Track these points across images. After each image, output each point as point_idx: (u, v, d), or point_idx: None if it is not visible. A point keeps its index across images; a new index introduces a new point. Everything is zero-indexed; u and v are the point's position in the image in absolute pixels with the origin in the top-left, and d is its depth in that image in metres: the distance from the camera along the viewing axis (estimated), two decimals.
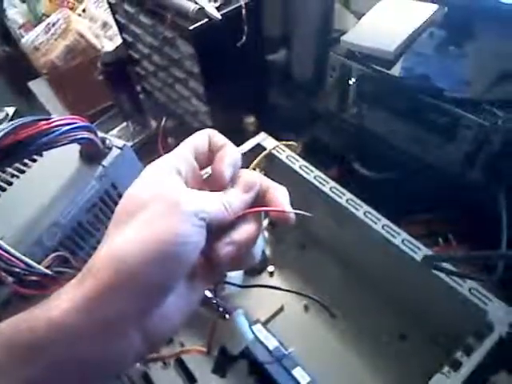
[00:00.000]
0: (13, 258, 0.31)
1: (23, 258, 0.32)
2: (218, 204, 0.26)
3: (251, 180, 0.28)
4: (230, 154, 0.28)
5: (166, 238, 0.22)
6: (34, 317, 0.21)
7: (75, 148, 0.41)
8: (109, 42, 1.16)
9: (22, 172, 0.41)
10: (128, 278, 0.21)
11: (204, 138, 0.28)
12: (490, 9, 0.60)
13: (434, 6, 0.69)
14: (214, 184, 0.27)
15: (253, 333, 0.45)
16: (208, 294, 0.45)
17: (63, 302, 0.21)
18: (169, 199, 0.24)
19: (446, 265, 0.48)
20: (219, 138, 0.29)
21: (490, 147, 0.57)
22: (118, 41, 1.03)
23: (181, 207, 0.23)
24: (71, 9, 1.25)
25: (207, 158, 0.29)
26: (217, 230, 0.26)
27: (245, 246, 0.27)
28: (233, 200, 0.27)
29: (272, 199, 0.28)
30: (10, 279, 0.30)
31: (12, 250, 0.31)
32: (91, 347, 0.21)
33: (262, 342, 0.45)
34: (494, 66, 0.60)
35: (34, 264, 0.32)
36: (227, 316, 0.45)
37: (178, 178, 0.26)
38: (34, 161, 0.42)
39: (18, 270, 0.31)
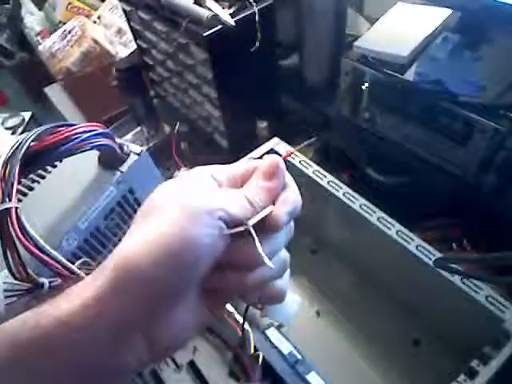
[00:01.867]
0: (55, 264, 0.32)
1: (67, 263, 0.33)
2: (240, 199, 0.23)
3: (273, 164, 0.25)
4: (293, 201, 0.25)
5: (172, 241, 0.21)
6: (42, 313, 0.20)
7: (94, 154, 0.42)
8: (123, 48, 1.18)
9: (43, 177, 0.43)
10: (135, 280, 0.20)
11: (268, 166, 0.26)
12: (503, 13, 0.60)
13: (448, 11, 0.69)
14: (268, 224, 0.24)
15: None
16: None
17: (73, 299, 0.21)
18: (180, 200, 0.22)
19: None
20: (285, 176, 0.26)
21: (505, 152, 0.57)
22: (133, 47, 1.04)
23: (191, 207, 0.22)
24: (87, 16, 1.27)
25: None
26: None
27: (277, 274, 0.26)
28: (256, 191, 0.24)
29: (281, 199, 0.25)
30: (47, 282, 0.31)
31: (57, 255, 0.32)
32: (95, 350, 0.21)
33: (276, 347, 0.46)
34: (508, 69, 0.60)
35: (76, 269, 0.33)
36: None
37: (210, 181, 0.24)
38: (54, 166, 0.43)
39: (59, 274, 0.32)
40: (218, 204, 0.22)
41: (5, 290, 0.34)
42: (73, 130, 0.36)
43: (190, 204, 0.22)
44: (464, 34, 0.66)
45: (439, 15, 0.69)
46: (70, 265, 0.32)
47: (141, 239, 0.21)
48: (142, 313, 0.21)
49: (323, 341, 0.62)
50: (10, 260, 0.32)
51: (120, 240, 0.23)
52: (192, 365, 0.60)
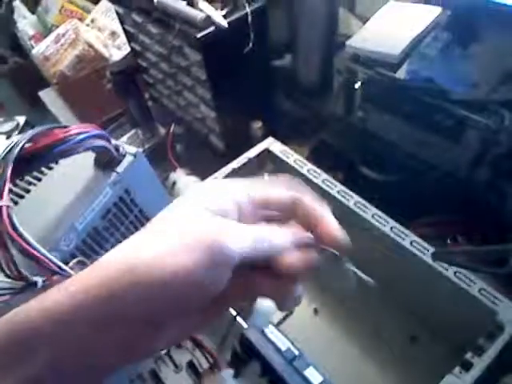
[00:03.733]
0: (47, 260, 0.32)
1: (56, 260, 0.33)
2: (250, 239, 0.22)
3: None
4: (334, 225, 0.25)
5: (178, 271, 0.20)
6: (30, 306, 0.20)
7: (90, 155, 0.42)
8: (117, 50, 1.18)
9: (39, 180, 0.43)
10: (136, 278, 0.20)
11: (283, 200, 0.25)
12: (493, 10, 0.61)
13: (438, 9, 0.70)
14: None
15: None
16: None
17: (60, 291, 0.20)
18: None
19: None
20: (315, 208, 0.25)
21: (497, 147, 0.58)
22: (126, 50, 1.05)
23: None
24: (80, 19, 1.27)
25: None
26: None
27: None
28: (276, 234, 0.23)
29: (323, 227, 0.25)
30: (40, 280, 0.31)
31: (47, 253, 0.32)
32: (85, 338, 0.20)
33: (273, 343, 0.46)
34: (499, 66, 0.61)
35: (66, 267, 0.33)
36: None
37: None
38: (51, 168, 0.43)
39: (50, 271, 0.32)
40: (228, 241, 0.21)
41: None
42: (68, 131, 0.36)
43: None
44: (454, 31, 0.67)
45: (430, 13, 0.70)
46: (60, 263, 0.33)
47: (148, 244, 0.21)
48: (139, 312, 0.21)
49: (321, 338, 0.62)
50: (2, 258, 0.32)
51: (117, 240, 0.23)
52: (190, 365, 0.61)
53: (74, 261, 0.31)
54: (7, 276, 0.33)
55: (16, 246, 0.32)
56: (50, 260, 0.33)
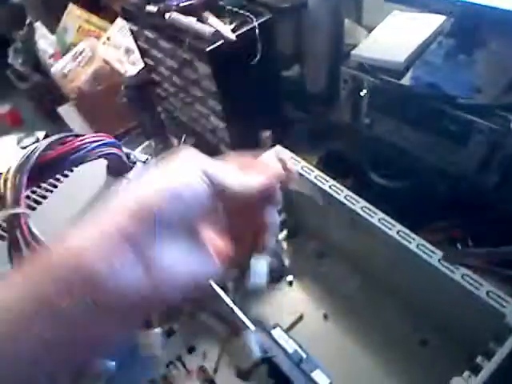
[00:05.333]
0: None
1: None
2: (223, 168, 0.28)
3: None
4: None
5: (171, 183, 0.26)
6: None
7: (102, 163, 0.45)
8: (132, 66, 1.22)
9: (55, 186, 0.45)
10: (142, 205, 0.24)
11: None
12: (495, 16, 0.62)
13: (442, 17, 0.71)
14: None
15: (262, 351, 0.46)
16: (227, 300, 0.46)
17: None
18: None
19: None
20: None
21: (503, 151, 0.58)
22: (140, 65, 1.08)
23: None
24: (97, 37, 1.33)
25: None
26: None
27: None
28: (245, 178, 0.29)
29: None
30: None
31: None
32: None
33: (281, 346, 0.47)
34: (504, 71, 0.61)
35: None
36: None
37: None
38: (66, 176, 0.46)
39: None
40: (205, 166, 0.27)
41: None
42: (82, 140, 0.38)
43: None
44: (458, 38, 0.68)
45: (434, 21, 0.71)
46: None
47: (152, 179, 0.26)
48: (139, 229, 0.24)
49: (331, 343, 0.62)
50: (18, 264, 0.34)
51: None
52: (202, 370, 0.62)
53: None
54: None
55: (30, 249, 0.34)
56: None
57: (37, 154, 0.36)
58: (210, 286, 0.37)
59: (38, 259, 0.23)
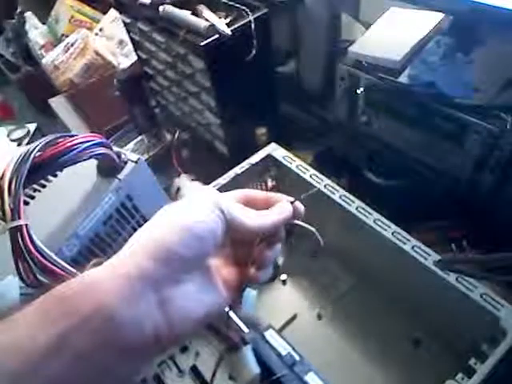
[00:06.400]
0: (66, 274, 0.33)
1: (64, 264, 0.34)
2: (240, 209, 0.29)
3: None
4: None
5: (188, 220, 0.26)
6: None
7: (92, 163, 0.44)
8: (125, 58, 1.20)
9: (44, 186, 0.44)
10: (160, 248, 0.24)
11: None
12: (494, 15, 0.61)
13: (440, 15, 0.70)
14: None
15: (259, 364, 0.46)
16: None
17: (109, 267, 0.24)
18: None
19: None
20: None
21: (499, 152, 0.57)
22: (134, 58, 1.06)
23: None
24: (89, 28, 1.30)
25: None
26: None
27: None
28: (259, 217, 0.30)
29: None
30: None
31: (68, 266, 0.33)
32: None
33: (273, 348, 0.46)
34: (501, 71, 0.61)
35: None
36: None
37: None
38: (55, 176, 0.45)
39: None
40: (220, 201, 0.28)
41: (21, 294, 0.36)
42: (72, 140, 0.37)
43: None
44: (456, 37, 0.67)
45: (431, 19, 0.70)
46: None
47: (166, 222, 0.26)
48: (158, 269, 0.24)
49: (325, 343, 0.62)
50: (22, 270, 0.33)
51: (119, 245, 0.24)
52: (194, 369, 0.61)
53: (91, 263, 0.32)
54: (27, 285, 0.34)
55: (34, 260, 0.33)
56: (72, 274, 0.34)
57: (31, 157, 0.35)
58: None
59: (54, 294, 0.22)
